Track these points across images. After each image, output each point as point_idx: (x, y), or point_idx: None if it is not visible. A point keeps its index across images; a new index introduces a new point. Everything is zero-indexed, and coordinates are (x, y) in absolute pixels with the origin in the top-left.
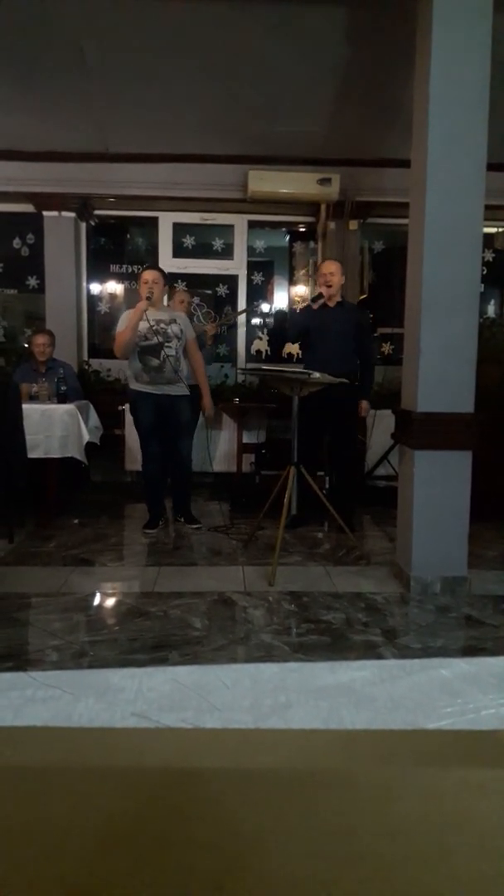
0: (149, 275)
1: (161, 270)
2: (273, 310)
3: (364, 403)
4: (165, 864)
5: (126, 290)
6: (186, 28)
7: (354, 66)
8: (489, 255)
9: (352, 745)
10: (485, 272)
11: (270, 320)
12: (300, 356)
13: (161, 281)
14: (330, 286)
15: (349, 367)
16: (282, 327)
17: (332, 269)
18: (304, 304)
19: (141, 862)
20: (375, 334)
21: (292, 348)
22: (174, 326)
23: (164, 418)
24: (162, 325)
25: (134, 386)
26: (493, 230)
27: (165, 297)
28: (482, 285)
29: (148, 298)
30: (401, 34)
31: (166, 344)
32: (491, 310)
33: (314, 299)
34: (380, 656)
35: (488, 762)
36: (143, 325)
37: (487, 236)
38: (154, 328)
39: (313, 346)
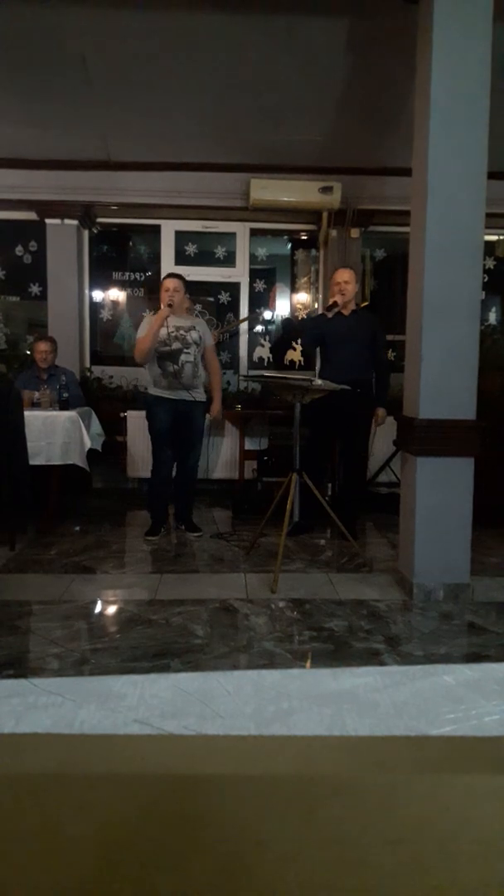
0: (170, 283)
1: (182, 278)
2: (275, 317)
3: (381, 411)
4: (168, 870)
5: (128, 297)
6: (188, 38)
7: (356, 75)
8: (490, 263)
9: (354, 751)
10: (486, 280)
11: (273, 327)
12: (302, 363)
13: (182, 289)
14: (344, 294)
15: (364, 375)
16: (286, 334)
17: (346, 277)
18: (317, 313)
19: (143, 869)
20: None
21: (295, 355)
22: (193, 333)
23: (179, 424)
24: (181, 332)
25: (152, 391)
26: (494, 238)
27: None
28: (483, 293)
29: (169, 305)
30: (402, 43)
31: (185, 350)
32: (492, 317)
33: (329, 308)
34: (382, 664)
35: (492, 768)
36: (162, 332)
37: (488, 244)
38: (174, 334)
39: (329, 355)
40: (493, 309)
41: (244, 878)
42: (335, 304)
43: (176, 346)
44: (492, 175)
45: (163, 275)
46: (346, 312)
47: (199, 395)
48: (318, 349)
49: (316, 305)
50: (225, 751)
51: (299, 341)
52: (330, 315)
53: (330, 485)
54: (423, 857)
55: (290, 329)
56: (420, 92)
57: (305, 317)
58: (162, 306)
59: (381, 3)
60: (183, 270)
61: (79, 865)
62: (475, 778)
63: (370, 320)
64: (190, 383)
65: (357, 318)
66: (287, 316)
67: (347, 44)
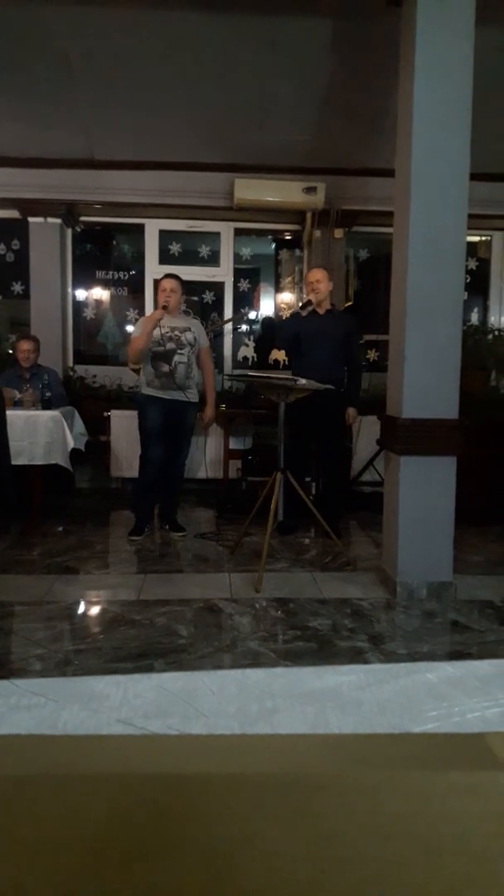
0: (167, 283)
1: (179, 279)
2: (259, 317)
3: (351, 411)
4: (153, 870)
5: (112, 296)
6: (173, 37)
7: (340, 77)
8: (472, 264)
9: (339, 749)
10: (468, 280)
11: (257, 327)
12: (287, 363)
13: (179, 289)
14: (317, 293)
15: (337, 374)
16: (268, 334)
17: (318, 276)
18: (292, 311)
19: (128, 869)
20: (361, 341)
21: (279, 355)
22: (188, 334)
23: (170, 424)
24: (176, 333)
25: (145, 391)
26: (477, 239)
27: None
28: (465, 293)
29: (164, 307)
30: (385, 46)
31: (178, 351)
32: (474, 317)
33: (303, 306)
34: (366, 662)
35: (474, 765)
36: (156, 332)
37: (471, 245)
38: (168, 335)
39: (303, 353)
40: (476, 309)
41: (229, 877)
42: (309, 302)
43: (170, 346)
44: (474, 177)
45: (147, 274)
46: (320, 311)
47: (193, 396)
48: (290, 348)
49: (299, 304)
50: (209, 750)
51: (252, 338)
52: (304, 313)
53: (314, 484)
54: (407, 854)
55: (274, 329)
56: (403, 93)
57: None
58: (158, 306)
59: (364, 5)
60: (167, 270)
61: (63, 867)
62: (457, 775)
63: (344, 320)
64: (183, 384)
65: (331, 318)
66: (272, 315)
67: (332, 45)
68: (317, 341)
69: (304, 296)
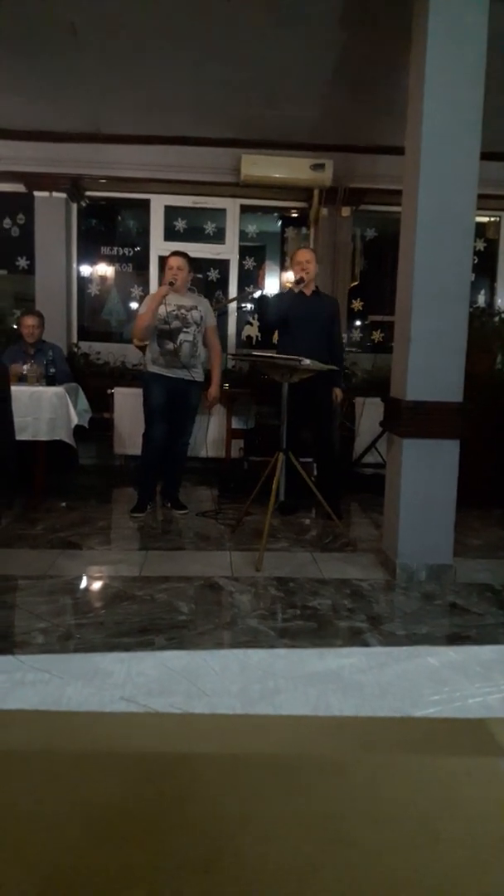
0: (174, 261)
1: (187, 256)
2: (261, 295)
3: (337, 390)
4: (154, 848)
5: (117, 272)
6: (181, 9)
7: (350, 52)
8: (481, 245)
9: (339, 731)
10: (476, 262)
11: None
12: (260, 339)
13: (186, 267)
14: (307, 272)
15: (323, 355)
16: (258, 310)
17: (308, 256)
18: (283, 290)
19: (129, 846)
20: (366, 322)
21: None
22: (195, 312)
23: (174, 402)
24: (182, 311)
25: (150, 368)
26: (486, 219)
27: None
28: (473, 275)
29: (171, 284)
30: (397, 21)
31: (184, 329)
32: (481, 299)
33: (297, 283)
34: (365, 642)
35: (474, 750)
36: (162, 310)
37: (479, 226)
38: (174, 313)
39: (290, 334)
40: (483, 291)
41: (229, 856)
42: (301, 280)
43: (175, 324)
44: (484, 156)
45: (152, 250)
46: (307, 293)
47: (198, 375)
48: (277, 327)
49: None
50: (211, 729)
51: (256, 317)
52: (297, 290)
53: (315, 465)
54: (407, 837)
55: (263, 305)
56: (414, 69)
57: (278, 294)
58: (166, 283)
59: None
60: (172, 246)
61: (65, 842)
62: (458, 759)
63: (330, 302)
64: (188, 362)
65: (318, 300)
66: (264, 293)
67: (342, 20)
68: (305, 322)
69: (295, 275)
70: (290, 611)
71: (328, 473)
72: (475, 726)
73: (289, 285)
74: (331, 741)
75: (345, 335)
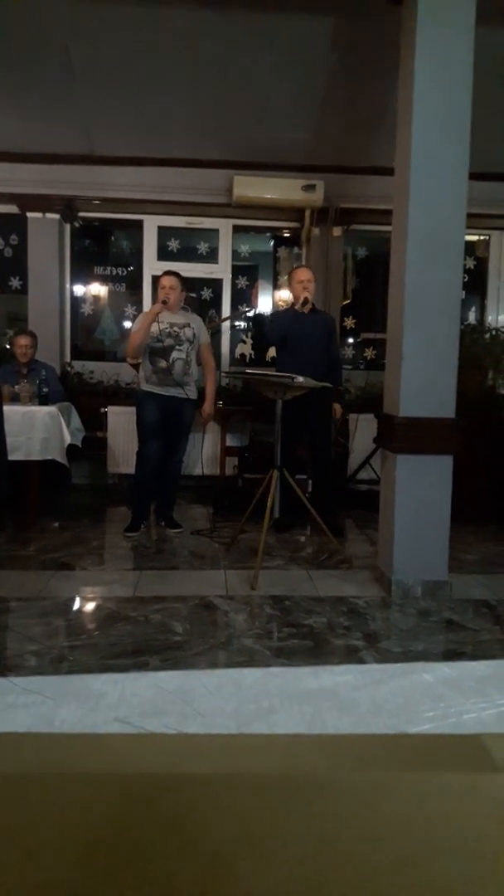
0: (167, 280)
1: (179, 276)
2: (258, 314)
3: (337, 406)
4: (149, 870)
5: (110, 292)
6: (173, 33)
7: (339, 74)
8: (471, 263)
9: (335, 749)
10: (466, 279)
11: (255, 324)
12: (253, 357)
13: (178, 286)
14: (309, 291)
15: (322, 372)
16: (259, 329)
17: (307, 276)
18: (286, 307)
19: (124, 868)
20: (358, 339)
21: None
22: (187, 330)
23: (168, 420)
24: (175, 329)
25: (144, 386)
26: (475, 238)
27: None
28: (463, 292)
29: (164, 303)
30: (385, 43)
31: (177, 347)
32: (472, 316)
33: (303, 304)
34: (361, 660)
35: (470, 766)
36: (155, 328)
37: (469, 244)
38: (167, 331)
39: (290, 351)
40: (473, 308)
41: (225, 876)
42: (307, 300)
43: (168, 342)
44: (473, 176)
45: (145, 270)
46: (306, 311)
47: (191, 393)
48: (278, 344)
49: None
50: (206, 749)
51: (249, 335)
52: (306, 310)
53: (310, 482)
54: (403, 854)
55: (263, 323)
56: (403, 92)
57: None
58: (158, 302)
59: (365, 3)
60: (165, 266)
61: (60, 865)
62: (454, 776)
63: (328, 319)
64: (181, 380)
65: (318, 318)
66: (270, 312)
67: (332, 43)
68: (305, 340)
69: (294, 295)
70: (286, 629)
71: (324, 490)
72: (470, 742)
73: (282, 304)
74: (326, 759)
75: None
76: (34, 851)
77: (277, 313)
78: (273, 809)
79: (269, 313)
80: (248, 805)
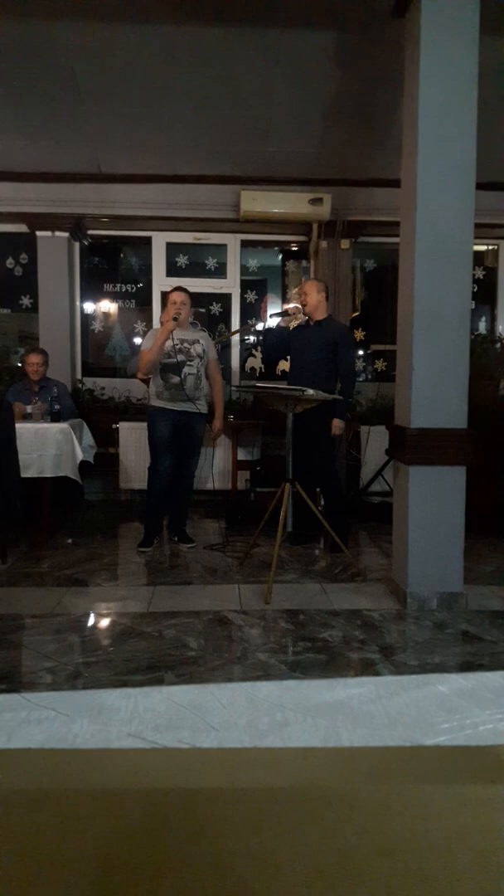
0: (177, 296)
1: (188, 291)
2: (267, 328)
3: (336, 422)
4: (164, 885)
5: (120, 308)
6: (178, 51)
7: (345, 88)
8: (480, 273)
9: (350, 762)
10: (475, 290)
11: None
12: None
13: (188, 302)
14: (303, 304)
15: (321, 385)
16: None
17: (304, 288)
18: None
19: (139, 884)
20: (368, 351)
21: (286, 365)
22: (197, 346)
23: (179, 435)
24: (186, 345)
25: (154, 402)
26: (484, 248)
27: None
28: (473, 302)
29: (175, 319)
30: (390, 56)
31: (188, 363)
32: (482, 326)
33: (278, 315)
34: (377, 673)
35: (487, 778)
36: (167, 344)
37: (478, 254)
38: (178, 347)
39: (291, 364)
40: (483, 318)
41: (240, 891)
42: (285, 312)
43: (180, 358)
44: (480, 185)
45: (154, 287)
46: (311, 322)
47: (202, 407)
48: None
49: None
50: (219, 764)
51: (259, 349)
52: (283, 323)
53: (323, 495)
54: (419, 868)
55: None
56: (408, 104)
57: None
58: (168, 319)
59: (368, 16)
60: (174, 282)
61: (75, 881)
62: (470, 788)
63: (332, 328)
64: (193, 395)
65: (319, 328)
66: (265, 325)
67: (336, 57)
68: (301, 353)
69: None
70: (301, 643)
71: (332, 504)
72: (487, 753)
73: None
74: (341, 773)
75: None
76: (48, 868)
77: (268, 330)
78: (287, 823)
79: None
80: (263, 819)
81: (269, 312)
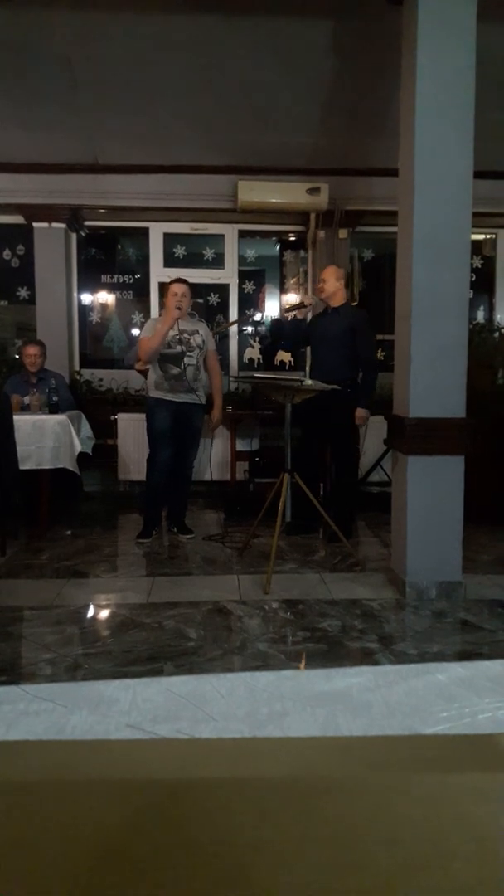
0: (178, 287)
1: (188, 283)
2: (265, 318)
3: (360, 412)
4: (163, 875)
5: (117, 299)
6: (174, 40)
7: (341, 77)
8: (478, 262)
9: (349, 752)
10: (474, 278)
11: (263, 328)
12: (292, 364)
13: (189, 294)
14: (321, 292)
15: (343, 373)
16: (277, 334)
17: (322, 275)
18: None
19: (138, 874)
20: None
21: (285, 356)
22: (197, 337)
23: (178, 426)
24: (185, 336)
25: (153, 393)
26: (482, 237)
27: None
28: (471, 291)
29: (178, 309)
30: (387, 45)
31: (188, 353)
32: (480, 315)
33: (294, 308)
34: (376, 663)
35: (486, 766)
36: (169, 333)
37: (475, 243)
38: (178, 338)
39: (312, 354)
40: (481, 307)
41: (240, 882)
42: (302, 304)
43: (179, 349)
44: (478, 174)
45: (152, 277)
46: (329, 310)
47: (201, 398)
48: (296, 349)
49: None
50: (219, 754)
51: (258, 339)
52: (300, 315)
53: (322, 485)
54: (420, 857)
55: (282, 329)
56: (406, 92)
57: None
58: (170, 310)
59: (365, 4)
60: (172, 273)
61: (73, 871)
62: (470, 776)
63: (349, 315)
64: (191, 386)
65: (336, 316)
66: (277, 317)
67: (333, 46)
68: (320, 341)
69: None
70: (301, 633)
71: (343, 494)
72: (485, 742)
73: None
74: (340, 762)
75: None
76: (47, 859)
77: (280, 323)
78: (286, 813)
79: (281, 317)
80: (262, 809)
81: (285, 307)
